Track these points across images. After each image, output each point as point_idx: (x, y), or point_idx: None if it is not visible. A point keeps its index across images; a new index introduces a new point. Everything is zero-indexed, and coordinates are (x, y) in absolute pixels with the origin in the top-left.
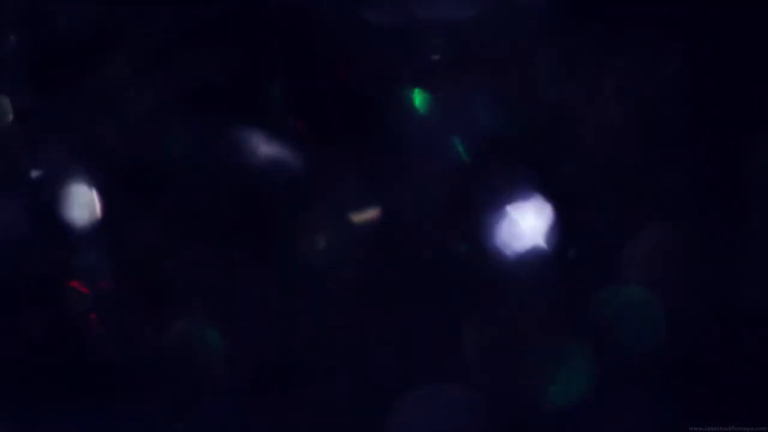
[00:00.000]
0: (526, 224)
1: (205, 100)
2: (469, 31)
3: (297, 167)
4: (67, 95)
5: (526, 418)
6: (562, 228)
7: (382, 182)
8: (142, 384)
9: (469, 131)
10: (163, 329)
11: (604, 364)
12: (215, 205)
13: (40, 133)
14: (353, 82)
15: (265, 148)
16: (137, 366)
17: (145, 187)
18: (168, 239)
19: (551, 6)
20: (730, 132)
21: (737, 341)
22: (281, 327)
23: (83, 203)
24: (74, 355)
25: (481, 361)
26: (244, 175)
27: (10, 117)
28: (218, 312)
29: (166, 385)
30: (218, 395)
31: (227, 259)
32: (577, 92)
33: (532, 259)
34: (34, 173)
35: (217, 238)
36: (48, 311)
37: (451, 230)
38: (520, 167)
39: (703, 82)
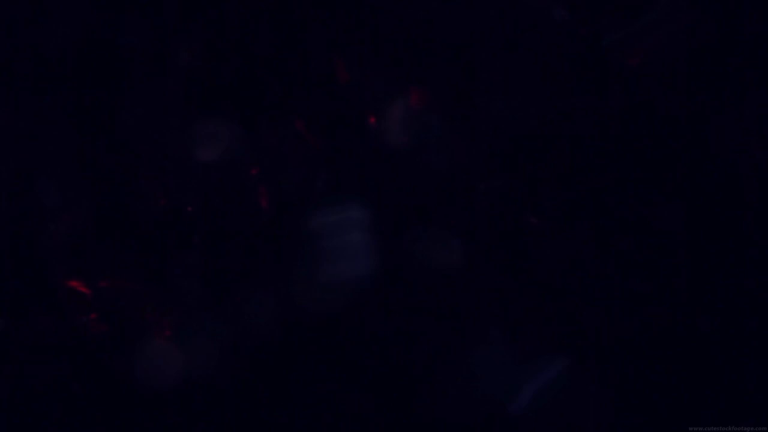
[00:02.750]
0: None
1: (203, 99)
2: (468, 32)
3: (297, 166)
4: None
5: (522, 416)
6: (562, 225)
7: (380, 181)
8: (141, 384)
9: (468, 131)
10: (162, 329)
11: (604, 364)
12: (212, 204)
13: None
14: (353, 82)
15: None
16: (136, 365)
17: (142, 187)
18: (166, 239)
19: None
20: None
21: (737, 341)
22: (280, 326)
23: None
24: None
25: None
26: (242, 175)
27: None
28: (217, 312)
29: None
30: (217, 393)
31: (227, 259)
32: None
33: (531, 255)
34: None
35: (215, 238)
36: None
37: (449, 229)
38: (523, 167)
39: (704, 79)
